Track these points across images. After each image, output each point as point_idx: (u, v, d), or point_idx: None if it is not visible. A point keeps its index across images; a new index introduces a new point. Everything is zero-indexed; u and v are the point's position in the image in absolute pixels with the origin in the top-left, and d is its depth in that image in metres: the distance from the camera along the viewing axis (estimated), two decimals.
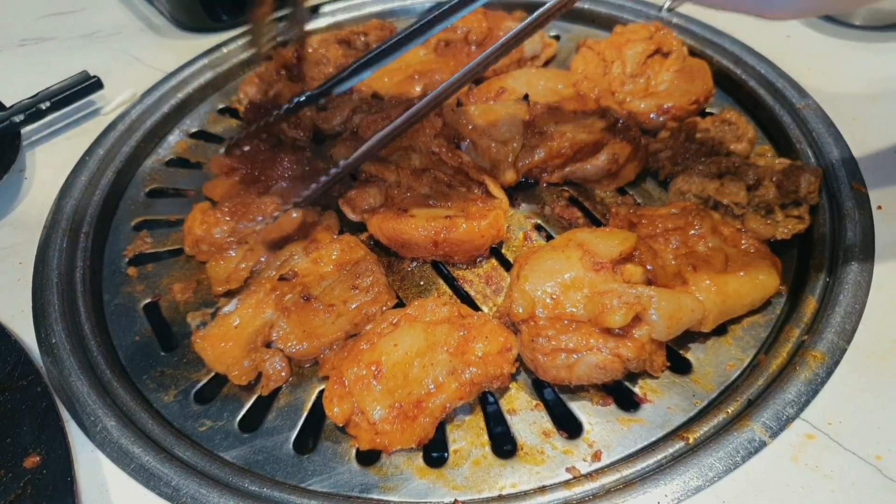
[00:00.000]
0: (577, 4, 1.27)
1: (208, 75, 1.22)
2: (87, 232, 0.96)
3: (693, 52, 1.15)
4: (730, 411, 0.71)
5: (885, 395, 0.70)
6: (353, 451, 0.73)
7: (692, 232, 0.83)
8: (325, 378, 0.78)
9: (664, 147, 0.99)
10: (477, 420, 0.74)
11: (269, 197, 0.91)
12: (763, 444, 0.67)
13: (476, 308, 0.85)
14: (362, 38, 1.21)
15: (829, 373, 0.72)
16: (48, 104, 1.09)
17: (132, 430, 0.73)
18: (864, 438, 0.67)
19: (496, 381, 0.74)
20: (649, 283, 0.76)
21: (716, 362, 0.78)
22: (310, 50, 1.17)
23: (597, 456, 0.70)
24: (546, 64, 1.20)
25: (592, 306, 0.73)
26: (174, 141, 1.14)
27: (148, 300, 0.90)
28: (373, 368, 0.73)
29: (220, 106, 1.20)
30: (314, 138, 1.08)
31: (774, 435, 0.67)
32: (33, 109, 1.08)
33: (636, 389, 0.76)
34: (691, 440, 0.69)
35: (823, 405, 0.70)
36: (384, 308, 0.82)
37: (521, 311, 0.74)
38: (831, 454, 0.66)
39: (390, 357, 0.74)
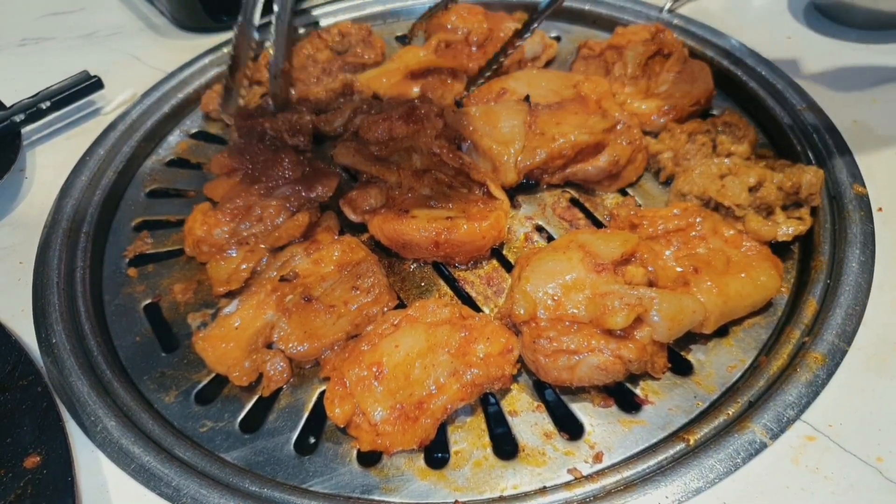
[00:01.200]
0: (578, 5, 1.28)
1: (209, 75, 1.22)
2: (88, 232, 0.96)
3: (694, 54, 1.15)
4: (730, 413, 0.71)
5: (886, 396, 0.70)
6: (355, 453, 0.73)
7: (693, 233, 0.83)
8: (327, 379, 0.78)
9: (665, 148, 0.99)
10: (478, 421, 0.74)
11: (275, 200, 0.91)
12: (763, 446, 0.67)
13: (477, 309, 0.85)
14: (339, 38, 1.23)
15: (830, 374, 0.72)
16: (48, 104, 1.09)
17: (133, 431, 0.73)
18: (865, 440, 0.67)
19: (497, 383, 0.74)
20: (651, 284, 0.76)
21: (717, 364, 0.78)
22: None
23: (598, 457, 0.70)
24: (547, 65, 1.20)
25: (594, 308, 0.73)
26: (175, 141, 1.14)
27: (148, 301, 0.90)
28: (374, 369, 0.73)
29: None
30: (314, 139, 1.08)
31: (775, 437, 0.68)
32: (34, 109, 1.08)
33: (637, 391, 0.76)
34: (692, 441, 0.69)
35: (824, 407, 0.70)
36: (385, 309, 0.82)
37: (522, 312, 0.74)
38: (832, 456, 0.66)
39: (391, 358, 0.74)
